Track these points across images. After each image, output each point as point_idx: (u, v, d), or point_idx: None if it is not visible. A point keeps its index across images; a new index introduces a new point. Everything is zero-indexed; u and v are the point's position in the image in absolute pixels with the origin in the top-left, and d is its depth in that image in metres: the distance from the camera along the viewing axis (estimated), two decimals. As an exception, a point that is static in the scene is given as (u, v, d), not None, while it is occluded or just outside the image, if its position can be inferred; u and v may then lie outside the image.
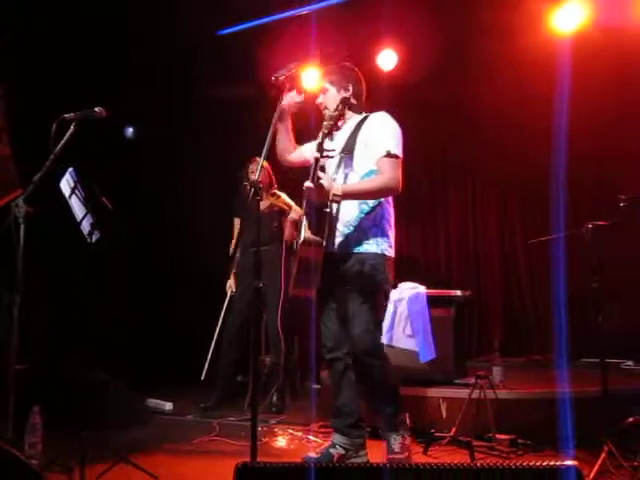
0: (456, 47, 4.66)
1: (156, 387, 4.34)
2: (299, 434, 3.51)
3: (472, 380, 3.27)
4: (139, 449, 3.09)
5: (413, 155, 4.76)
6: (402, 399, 2.78)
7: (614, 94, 4.43)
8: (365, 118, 2.79)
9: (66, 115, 2.64)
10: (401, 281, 3.96)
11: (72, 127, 2.64)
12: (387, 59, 4.93)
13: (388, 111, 2.77)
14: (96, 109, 2.73)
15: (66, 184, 2.77)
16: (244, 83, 4.74)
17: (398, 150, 2.67)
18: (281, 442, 3.38)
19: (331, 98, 2.81)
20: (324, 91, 2.85)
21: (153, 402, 4.21)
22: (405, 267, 5.04)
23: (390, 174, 2.62)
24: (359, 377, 2.77)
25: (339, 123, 2.76)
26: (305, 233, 2.66)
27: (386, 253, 2.73)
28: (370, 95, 2.92)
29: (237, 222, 4.44)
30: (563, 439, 2.98)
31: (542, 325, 4.78)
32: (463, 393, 3.31)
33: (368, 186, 2.64)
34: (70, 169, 2.76)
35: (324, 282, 2.62)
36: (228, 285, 4.41)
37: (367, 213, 2.72)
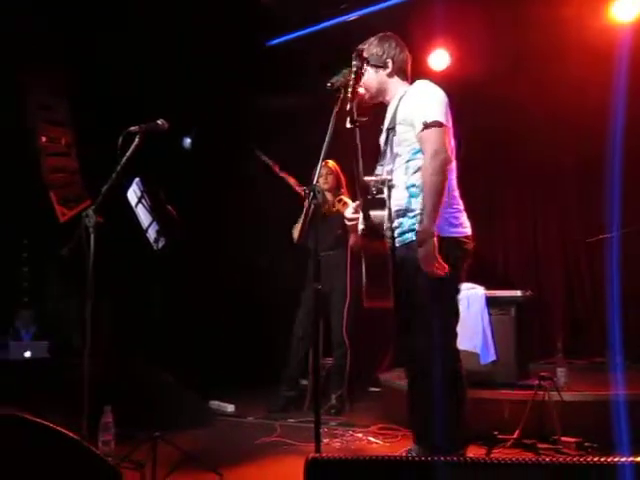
0: (509, 44, 4.59)
1: (219, 389, 4.45)
2: (359, 435, 3.53)
3: (535, 382, 3.20)
4: (203, 449, 3.18)
5: (470, 153, 4.80)
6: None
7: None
8: (405, 93, 2.58)
9: (131, 128, 2.76)
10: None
11: (137, 139, 2.76)
12: (439, 59, 4.91)
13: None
14: (159, 121, 2.85)
15: (133, 194, 2.90)
16: (301, 92, 4.81)
17: (438, 116, 2.40)
18: (342, 443, 3.41)
19: (371, 80, 2.62)
20: (361, 74, 2.49)
21: (216, 404, 4.32)
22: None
23: (430, 150, 2.37)
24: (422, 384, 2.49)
25: (387, 97, 2.63)
26: (363, 224, 2.52)
27: (444, 234, 2.39)
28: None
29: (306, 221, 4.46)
30: (629, 441, 2.89)
31: (605, 326, 4.62)
32: (526, 395, 3.24)
33: (429, 195, 2.35)
34: (137, 179, 2.89)
35: (394, 281, 2.46)
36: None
37: (417, 196, 2.46)
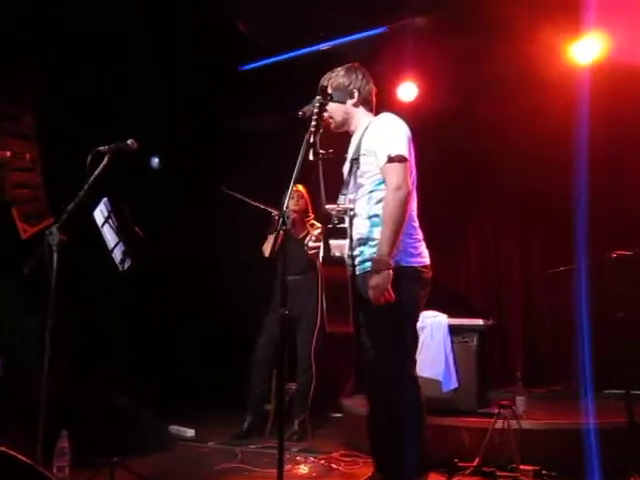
0: (473, 77, 4.75)
1: (177, 413, 4.37)
2: (322, 462, 3.51)
3: (495, 410, 3.25)
4: (162, 474, 3.12)
5: (433, 182, 4.90)
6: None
7: (633, 125, 4.48)
8: (370, 124, 2.64)
9: (100, 148, 2.75)
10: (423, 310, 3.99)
11: (106, 158, 2.75)
12: (408, 91, 5.04)
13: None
14: (128, 141, 2.84)
15: (100, 213, 2.87)
16: (269, 116, 4.86)
17: (401, 150, 2.48)
18: (304, 470, 3.38)
19: (336, 110, 2.66)
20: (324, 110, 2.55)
21: (175, 428, 4.24)
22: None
23: (393, 183, 2.43)
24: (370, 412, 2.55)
25: (351, 127, 2.69)
26: (323, 253, 2.54)
27: (404, 264, 2.46)
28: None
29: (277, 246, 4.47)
30: (589, 471, 2.96)
31: (564, 355, 4.75)
32: (486, 423, 3.28)
33: (389, 225, 2.40)
34: (104, 199, 2.86)
35: (354, 309, 2.50)
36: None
37: (379, 226, 2.49)
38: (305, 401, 4.22)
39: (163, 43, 4.30)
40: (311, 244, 2.67)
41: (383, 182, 2.53)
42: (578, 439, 3.15)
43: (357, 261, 2.56)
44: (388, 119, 2.62)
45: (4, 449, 2.01)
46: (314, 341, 4.15)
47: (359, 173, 2.59)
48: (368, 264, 2.50)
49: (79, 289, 4.21)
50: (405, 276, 2.45)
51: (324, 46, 4.36)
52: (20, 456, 2.02)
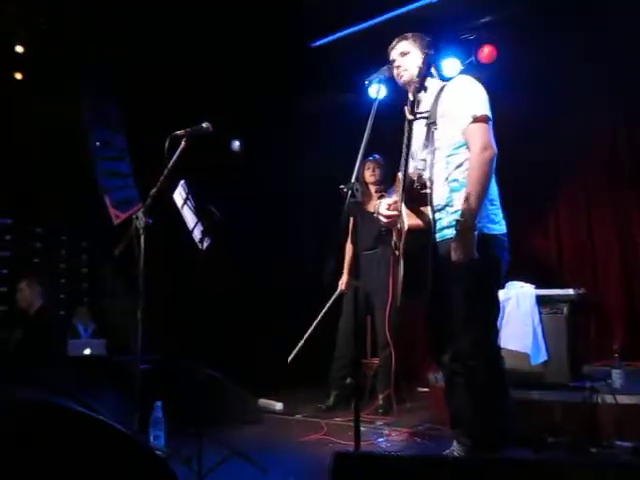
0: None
1: (268, 387, 4.51)
2: (406, 435, 3.50)
3: (588, 384, 3.09)
4: (251, 445, 3.23)
5: (519, 146, 4.67)
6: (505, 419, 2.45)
7: None
8: (444, 87, 2.56)
9: (177, 132, 2.84)
10: (509, 280, 3.84)
11: (183, 143, 2.84)
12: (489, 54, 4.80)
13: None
14: (204, 125, 2.91)
15: (179, 195, 2.98)
16: (339, 93, 4.83)
17: (486, 110, 2.41)
18: (387, 443, 3.39)
19: (413, 61, 2.59)
20: (404, 54, 2.61)
21: (264, 402, 4.38)
22: (514, 267, 4.86)
23: (479, 144, 2.35)
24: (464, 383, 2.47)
25: (425, 83, 2.58)
26: (408, 221, 2.45)
27: (486, 231, 2.38)
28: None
29: (351, 221, 4.45)
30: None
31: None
32: (579, 397, 3.14)
33: (475, 187, 2.31)
34: (182, 181, 2.97)
35: (433, 278, 2.43)
36: (341, 282, 4.39)
37: (459, 191, 2.43)
38: (387, 376, 4.21)
39: (234, 23, 4.34)
40: (384, 211, 2.57)
41: (461, 145, 2.46)
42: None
43: (436, 228, 2.49)
44: (466, 80, 2.54)
45: (104, 419, 2.17)
46: (387, 317, 4.11)
47: (436, 136, 2.50)
48: (448, 231, 2.44)
49: (166, 269, 4.42)
50: (489, 244, 2.38)
51: (391, 15, 4.23)
52: (118, 426, 2.18)
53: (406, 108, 2.33)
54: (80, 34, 4.32)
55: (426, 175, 2.48)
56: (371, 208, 4.20)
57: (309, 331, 4.37)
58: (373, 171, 4.28)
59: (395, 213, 2.53)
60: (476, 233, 2.29)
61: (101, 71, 4.56)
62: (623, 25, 4.15)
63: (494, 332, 2.52)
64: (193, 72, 4.64)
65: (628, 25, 4.12)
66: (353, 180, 2.28)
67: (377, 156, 4.30)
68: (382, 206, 2.58)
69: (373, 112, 2.38)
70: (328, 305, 4.38)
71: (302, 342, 4.35)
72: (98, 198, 4.62)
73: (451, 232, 2.38)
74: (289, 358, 4.32)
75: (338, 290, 4.39)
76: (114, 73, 4.59)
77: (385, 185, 4.25)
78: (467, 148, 2.45)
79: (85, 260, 5.23)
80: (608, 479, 1.36)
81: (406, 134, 2.43)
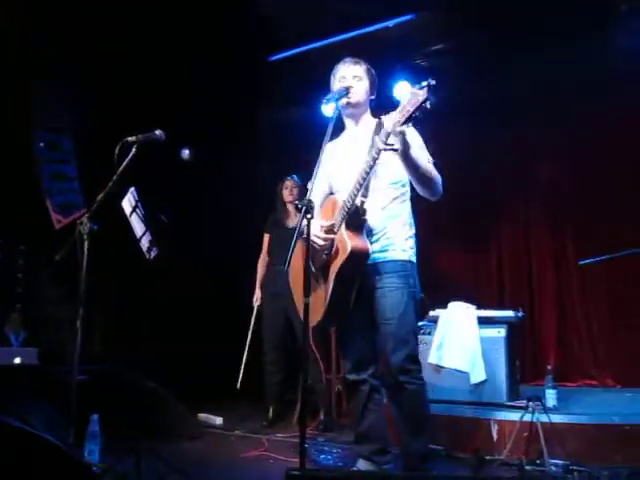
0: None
1: (207, 401, 4.43)
2: (347, 452, 3.50)
3: (524, 403, 3.20)
4: (191, 460, 3.16)
5: (467, 172, 4.84)
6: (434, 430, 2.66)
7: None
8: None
9: (128, 138, 2.78)
10: (451, 301, 3.95)
11: (134, 149, 2.78)
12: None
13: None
14: (156, 132, 2.87)
15: (127, 203, 2.91)
16: (294, 106, 4.87)
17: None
18: (328, 459, 3.39)
19: (361, 90, 2.70)
20: (357, 78, 2.70)
21: (204, 416, 4.30)
22: (456, 287, 5.01)
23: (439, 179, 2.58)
24: (391, 399, 2.65)
25: (358, 116, 2.72)
26: (351, 242, 2.48)
27: (413, 259, 2.68)
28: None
29: (266, 238, 4.55)
30: (621, 468, 2.89)
31: (599, 349, 4.63)
32: (515, 416, 3.24)
33: (428, 166, 2.54)
34: (132, 188, 2.90)
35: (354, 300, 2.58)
36: (255, 298, 4.49)
37: (392, 220, 2.65)
38: (323, 392, 4.23)
39: (192, 33, 4.31)
40: (321, 235, 2.55)
41: (399, 182, 2.67)
42: (611, 434, 3.09)
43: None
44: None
45: (37, 432, 2.08)
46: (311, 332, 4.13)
47: (379, 171, 2.59)
48: (378, 255, 2.60)
49: (109, 277, 4.30)
50: (414, 269, 2.69)
51: (351, 35, 4.32)
52: (51, 438, 2.09)
53: (377, 137, 2.37)
54: (31, 33, 4.19)
55: (366, 203, 2.55)
56: (290, 224, 4.38)
57: (245, 355, 4.54)
58: (291, 191, 4.44)
59: (331, 236, 2.55)
60: (404, 259, 2.62)
61: (53, 71, 4.42)
62: (568, 59, 4.39)
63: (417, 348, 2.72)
64: (149, 78, 4.56)
65: (574, 59, 4.36)
66: (308, 197, 2.31)
67: (294, 176, 4.48)
68: (315, 228, 2.53)
69: (329, 131, 2.43)
70: (252, 325, 4.54)
71: (242, 367, 4.53)
72: (40, 200, 4.45)
73: (382, 257, 2.60)
74: (237, 385, 4.50)
75: (255, 307, 4.50)
76: (67, 74, 4.46)
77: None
78: (402, 185, 2.69)
79: (21, 264, 5.00)
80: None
81: (368, 163, 2.46)
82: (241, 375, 4.52)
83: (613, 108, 4.53)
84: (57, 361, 4.15)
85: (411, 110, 2.22)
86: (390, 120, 2.30)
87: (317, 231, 2.54)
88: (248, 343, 4.56)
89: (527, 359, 4.58)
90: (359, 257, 2.52)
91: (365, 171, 2.45)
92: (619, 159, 4.59)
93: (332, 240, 2.55)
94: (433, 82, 2.22)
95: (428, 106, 2.20)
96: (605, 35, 4.08)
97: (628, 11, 3.94)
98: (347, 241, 2.50)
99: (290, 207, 4.45)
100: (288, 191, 4.43)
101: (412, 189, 2.72)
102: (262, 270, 4.52)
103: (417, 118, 2.25)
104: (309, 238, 2.34)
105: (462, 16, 4.14)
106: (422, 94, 2.19)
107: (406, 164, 2.46)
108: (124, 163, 2.74)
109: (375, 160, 2.42)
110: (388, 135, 2.34)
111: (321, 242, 2.55)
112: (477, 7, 3.99)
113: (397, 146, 2.36)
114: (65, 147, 4.66)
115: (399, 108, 2.28)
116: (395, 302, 2.57)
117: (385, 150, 2.36)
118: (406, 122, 2.26)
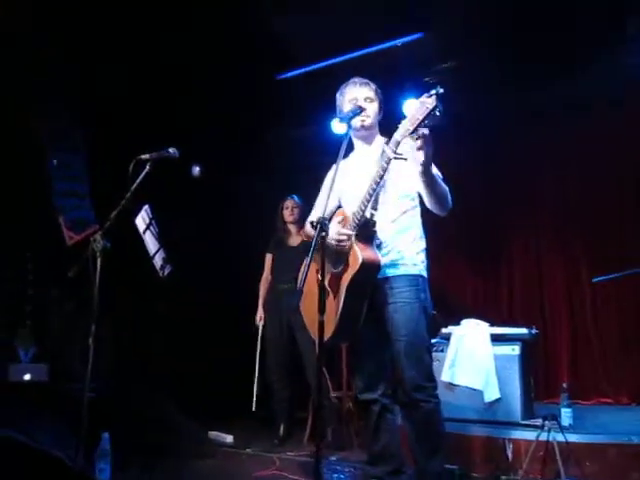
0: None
1: (218, 419, 4.40)
2: (359, 472, 3.46)
3: (539, 422, 3.15)
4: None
5: (476, 189, 4.84)
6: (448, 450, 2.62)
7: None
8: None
9: (142, 156, 2.80)
10: (464, 318, 3.92)
11: (147, 167, 2.80)
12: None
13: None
14: (170, 150, 2.88)
15: (141, 220, 2.92)
16: (306, 125, 4.89)
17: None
18: (341, 479, 3.35)
19: (373, 111, 2.74)
20: (371, 100, 2.74)
21: (214, 434, 4.27)
22: (468, 304, 4.98)
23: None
24: (406, 417, 2.60)
25: (370, 136, 2.75)
26: (362, 253, 2.46)
27: (424, 274, 2.65)
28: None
29: (269, 258, 4.56)
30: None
31: (614, 366, 4.58)
32: (530, 435, 3.20)
33: (441, 182, 2.53)
34: (145, 206, 2.91)
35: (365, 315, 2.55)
36: (258, 317, 4.49)
37: (402, 233, 2.64)
38: (331, 409, 4.19)
39: (202, 51, 4.35)
40: (344, 231, 2.54)
41: (409, 195, 2.67)
42: (627, 454, 3.04)
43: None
44: None
45: (48, 450, 2.06)
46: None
47: (387, 187, 2.61)
48: (389, 270, 2.59)
49: (122, 295, 4.30)
50: (426, 285, 2.67)
51: (359, 54, 4.35)
52: (62, 457, 2.07)
53: (386, 147, 2.39)
54: (41, 50, 4.24)
55: (376, 216, 2.55)
56: (292, 243, 4.42)
57: (256, 375, 4.51)
58: (292, 211, 4.47)
59: (345, 238, 2.53)
60: (416, 274, 2.61)
61: (64, 89, 4.46)
62: (574, 76, 4.40)
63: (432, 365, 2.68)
64: (161, 96, 4.60)
65: (581, 76, 4.38)
66: (323, 214, 2.31)
67: (295, 197, 4.51)
68: (333, 231, 2.53)
69: (343, 148, 2.45)
70: (259, 345, 4.51)
71: (255, 387, 4.50)
72: (51, 218, 4.47)
73: (392, 271, 2.58)
74: (253, 406, 4.47)
75: (260, 326, 4.49)
76: (79, 96, 4.51)
77: (302, 223, 4.36)
78: (412, 199, 2.69)
79: (31, 281, 5.02)
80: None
81: (378, 173, 2.47)
82: (255, 396, 4.49)
83: (621, 124, 4.54)
84: (67, 377, 4.15)
85: (420, 118, 2.24)
86: (401, 129, 2.33)
87: (335, 231, 2.52)
88: (258, 363, 4.54)
89: (540, 377, 4.53)
90: (370, 268, 2.51)
91: (375, 181, 2.46)
92: (631, 176, 4.59)
93: (347, 242, 2.52)
94: (441, 90, 2.23)
95: (437, 113, 2.21)
96: (609, 52, 4.11)
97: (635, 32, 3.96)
98: (358, 252, 2.49)
99: (292, 227, 4.48)
100: (289, 211, 4.46)
101: (421, 203, 2.71)
102: (264, 290, 4.54)
103: (427, 126, 2.26)
104: (324, 255, 2.33)
105: (469, 34, 4.18)
106: (431, 102, 2.22)
107: (425, 175, 2.42)
108: (137, 180, 2.75)
109: (385, 170, 2.44)
110: (398, 144, 2.37)
111: (342, 237, 2.52)
112: (484, 26, 4.02)
113: (406, 155, 2.38)
114: (77, 165, 4.70)
115: (409, 117, 2.31)
116: (407, 318, 2.55)
117: (395, 159, 2.38)
118: (415, 131, 2.27)
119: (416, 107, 2.27)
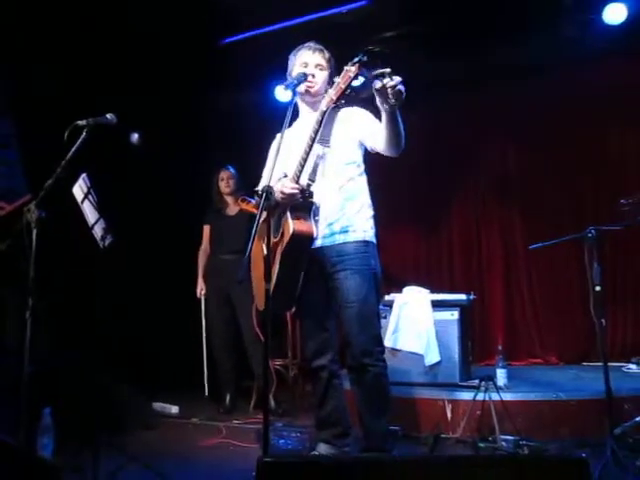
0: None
1: (162, 390, 4.37)
2: (305, 436, 3.53)
3: (477, 382, 3.30)
4: (149, 451, 3.12)
5: (418, 158, 4.92)
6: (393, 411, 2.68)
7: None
8: (340, 113, 2.65)
9: (78, 122, 2.67)
10: (405, 285, 4.03)
11: (84, 133, 2.68)
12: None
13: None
14: (107, 115, 2.77)
15: (79, 189, 2.81)
16: (247, 92, 4.79)
17: None
18: (288, 444, 3.41)
19: (322, 79, 2.69)
20: (322, 67, 2.70)
21: (159, 405, 4.24)
22: (409, 271, 5.11)
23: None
24: (354, 381, 2.63)
25: (317, 101, 2.64)
26: (294, 224, 2.47)
27: (374, 240, 2.67)
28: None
29: (206, 229, 4.54)
30: (568, 441, 3.05)
31: (544, 329, 4.84)
32: (468, 395, 3.35)
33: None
34: (83, 174, 2.80)
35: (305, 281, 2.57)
36: (199, 289, 4.48)
37: (350, 200, 2.64)
38: (272, 376, 4.23)
39: (143, 15, 4.17)
40: (293, 184, 2.50)
41: (354, 162, 2.67)
42: (558, 410, 3.24)
43: (325, 234, 2.60)
44: (360, 110, 2.71)
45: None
46: (254, 314, 4.12)
47: (330, 151, 2.61)
48: (339, 237, 2.61)
49: (59, 267, 4.15)
50: (375, 250, 2.69)
51: (305, 19, 4.29)
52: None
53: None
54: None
55: (314, 186, 2.55)
56: (229, 213, 4.42)
57: (204, 350, 4.52)
58: (227, 182, 4.44)
59: (294, 192, 2.50)
60: (365, 240, 2.62)
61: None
62: (522, 43, 4.50)
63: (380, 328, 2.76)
64: (99, 60, 4.39)
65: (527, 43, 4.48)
66: (268, 182, 2.30)
67: (230, 167, 4.48)
68: (281, 184, 2.53)
69: (288, 117, 2.42)
70: (204, 317, 4.51)
71: (205, 363, 4.52)
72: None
73: (342, 238, 2.60)
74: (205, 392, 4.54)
75: (203, 299, 4.49)
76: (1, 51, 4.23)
77: (238, 194, 4.34)
78: (357, 166, 2.70)
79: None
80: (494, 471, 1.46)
81: (306, 146, 2.47)
82: (206, 369, 4.53)
83: (565, 93, 4.70)
84: (3, 352, 4.00)
85: (343, 87, 2.28)
86: (326, 97, 2.36)
87: (286, 184, 2.51)
88: (205, 335, 4.53)
89: (477, 340, 4.73)
90: (302, 240, 2.51)
91: (305, 151, 2.47)
92: (567, 146, 4.78)
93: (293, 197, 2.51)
94: (365, 58, 2.24)
95: (359, 81, 2.25)
96: (556, 23, 4.23)
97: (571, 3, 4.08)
98: (290, 223, 2.50)
99: (228, 198, 4.45)
100: (224, 182, 4.43)
101: (365, 171, 2.74)
102: (203, 261, 4.51)
103: (358, 93, 2.30)
104: (269, 225, 2.33)
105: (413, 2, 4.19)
106: (353, 70, 2.25)
107: (390, 118, 2.37)
108: (74, 147, 2.64)
109: (313, 140, 2.46)
110: (323, 114, 2.40)
111: (291, 190, 2.49)
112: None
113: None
114: (4, 130, 4.44)
115: (334, 85, 2.34)
116: (357, 284, 2.56)
117: (321, 122, 2.44)
118: (339, 98, 2.30)
119: (341, 75, 2.30)
